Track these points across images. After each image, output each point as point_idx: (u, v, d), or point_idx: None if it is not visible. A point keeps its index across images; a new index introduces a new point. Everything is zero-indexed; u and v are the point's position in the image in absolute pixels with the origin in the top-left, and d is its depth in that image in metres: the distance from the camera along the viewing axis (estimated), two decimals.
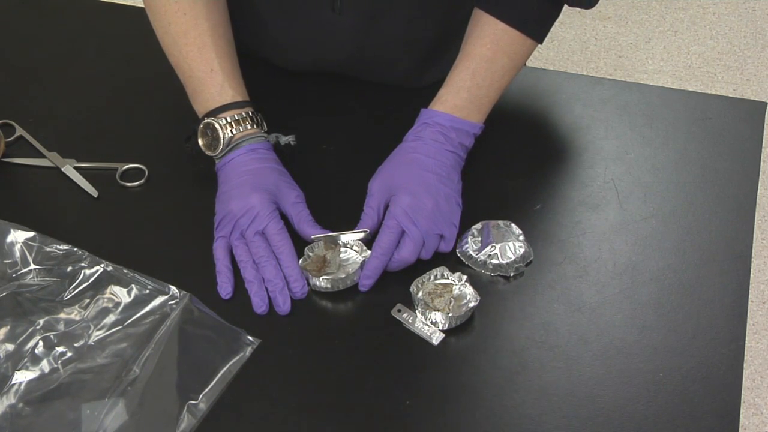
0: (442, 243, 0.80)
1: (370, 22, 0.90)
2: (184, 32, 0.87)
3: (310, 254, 0.80)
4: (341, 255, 0.80)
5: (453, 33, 0.94)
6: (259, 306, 0.77)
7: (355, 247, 0.80)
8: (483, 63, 0.84)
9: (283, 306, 0.77)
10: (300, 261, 0.79)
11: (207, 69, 0.86)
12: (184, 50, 0.87)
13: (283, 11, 0.92)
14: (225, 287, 0.79)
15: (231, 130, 0.84)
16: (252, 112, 0.86)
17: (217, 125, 0.84)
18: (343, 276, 0.78)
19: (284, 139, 0.90)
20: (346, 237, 0.80)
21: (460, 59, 0.86)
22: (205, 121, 0.85)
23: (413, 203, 0.79)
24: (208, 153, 0.86)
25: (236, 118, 0.84)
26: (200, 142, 0.86)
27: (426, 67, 0.98)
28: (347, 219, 0.82)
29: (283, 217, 0.82)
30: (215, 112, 0.85)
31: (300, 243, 0.81)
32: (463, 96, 0.84)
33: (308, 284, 0.79)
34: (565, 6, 0.87)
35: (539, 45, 0.88)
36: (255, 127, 0.86)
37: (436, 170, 0.82)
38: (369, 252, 0.79)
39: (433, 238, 0.79)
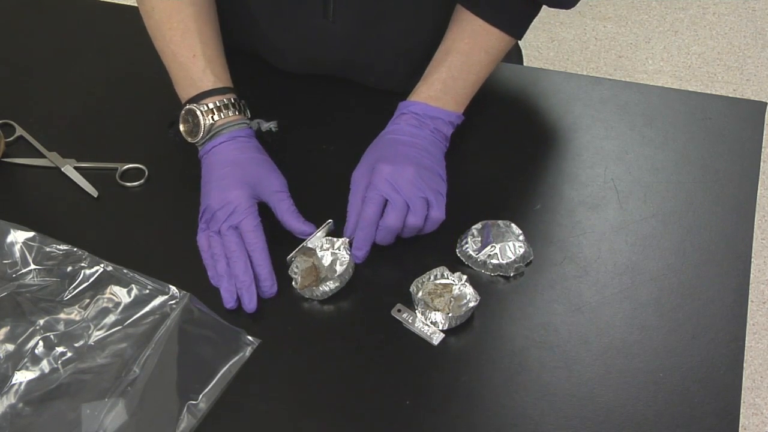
0: (432, 210, 0.80)
1: (362, 29, 0.90)
2: (168, 17, 0.87)
3: (296, 270, 0.79)
4: (327, 257, 0.80)
5: None
6: (228, 301, 0.77)
7: (337, 244, 0.80)
8: (459, 56, 0.86)
9: (249, 305, 0.77)
10: (293, 284, 0.78)
11: (189, 54, 0.86)
12: (168, 35, 0.87)
13: (277, 16, 0.92)
14: (215, 277, 0.80)
15: (212, 117, 0.84)
16: (234, 99, 0.86)
17: (198, 112, 0.84)
18: (342, 270, 0.78)
19: (266, 126, 0.90)
20: (315, 238, 0.80)
21: (437, 53, 0.88)
22: (187, 107, 0.85)
23: (393, 171, 0.79)
24: (189, 140, 0.85)
25: (218, 104, 0.84)
26: (182, 128, 0.86)
27: (421, 73, 0.98)
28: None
29: (266, 210, 0.82)
30: (197, 98, 0.85)
31: (281, 241, 0.81)
32: (438, 87, 0.85)
33: (317, 293, 0.77)
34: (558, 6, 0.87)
35: (532, 41, 0.89)
36: (237, 113, 0.86)
37: (415, 144, 0.83)
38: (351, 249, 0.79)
39: (419, 201, 0.79)
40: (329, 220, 0.80)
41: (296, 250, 0.79)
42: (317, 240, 0.80)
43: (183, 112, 0.85)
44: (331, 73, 0.99)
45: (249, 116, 0.88)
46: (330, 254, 0.80)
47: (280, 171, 0.84)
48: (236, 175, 0.81)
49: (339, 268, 0.79)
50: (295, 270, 0.79)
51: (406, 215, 0.78)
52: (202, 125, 0.83)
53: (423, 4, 0.90)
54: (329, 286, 0.77)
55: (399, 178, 0.79)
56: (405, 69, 0.96)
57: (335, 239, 0.80)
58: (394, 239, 0.80)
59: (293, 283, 0.78)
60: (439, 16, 0.91)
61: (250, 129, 0.87)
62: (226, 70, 0.88)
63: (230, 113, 0.85)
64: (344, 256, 0.79)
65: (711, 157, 0.91)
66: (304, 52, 0.95)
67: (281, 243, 0.80)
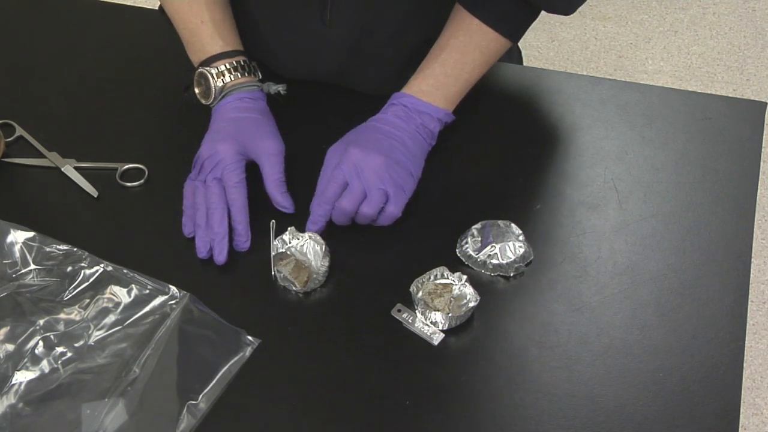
0: (389, 205, 0.80)
1: (360, 35, 0.91)
2: None
3: (287, 277, 0.78)
4: (300, 249, 0.79)
5: None
6: (201, 251, 0.80)
7: (287, 238, 0.79)
8: (453, 53, 0.86)
9: (218, 256, 0.79)
10: (294, 288, 0.78)
11: (197, 21, 0.89)
12: (176, 3, 0.90)
13: (275, 21, 0.93)
14: (187, 226, 0.82)
15: (222, 79, 0.87)
16: (244, 61, 0.89)
17: (208, 74, 0.87)
18: (319, 249, 0.77)
19: (274, 88, 0.92)
20: (272, 245, 0.79)
21: (433, 49, 0.89)
22: (199, 70, 0.88)
23: (362, 157, 0.80)
24: (203, 101, 0.89)
25: (227, 66, 0.87)
26: (196, 91, 0.89)
27: None
28: None
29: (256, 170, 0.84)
30: (208, 62, 0.88)
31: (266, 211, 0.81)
32: (430, 82, 0.86)
33: (319, 279, 0.78)
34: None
35: (526, 43, 0.89)
36: (248, 75, 0.88)
37: (394, 136, 0.83)
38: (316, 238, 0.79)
39: (377, 193, 0.79)
40: (272, 221, 0.80)
41: (272, 266, 0.79)
42: (275, 247, 0.79)
43: (196, 75, 0.89)
44: (329, 80, 0.99)
45: (260, 78, 0.90)
46: (291, 249, 0.79)
47: (280, 137, 0.86)
48: (229, 130, 0.84)
49: (311, 251, 0.78)
50: (287, 277, 0.78)
51: (361, 202, 0.79)
52: (213, 87, 0.87)
53: (419, 10, 0.90)
54: (324, 266, 0.78)
55: (365, 165, 0.79)
56: (402, 74, 0.96)
57: (282, 236, 0.79)
58: (348, 221, 0.81)
59: (292, 287, 0.78)
60: (435, 21, 0.91)
61: (261, 92, 0.89)
62: (234, 34, 0.90)
63: (239, 75, 0.87)
64: (302, 240, 0.78)
65: (711, 157, 0.91)
66: (302, 58, 0.96)
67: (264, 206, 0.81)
